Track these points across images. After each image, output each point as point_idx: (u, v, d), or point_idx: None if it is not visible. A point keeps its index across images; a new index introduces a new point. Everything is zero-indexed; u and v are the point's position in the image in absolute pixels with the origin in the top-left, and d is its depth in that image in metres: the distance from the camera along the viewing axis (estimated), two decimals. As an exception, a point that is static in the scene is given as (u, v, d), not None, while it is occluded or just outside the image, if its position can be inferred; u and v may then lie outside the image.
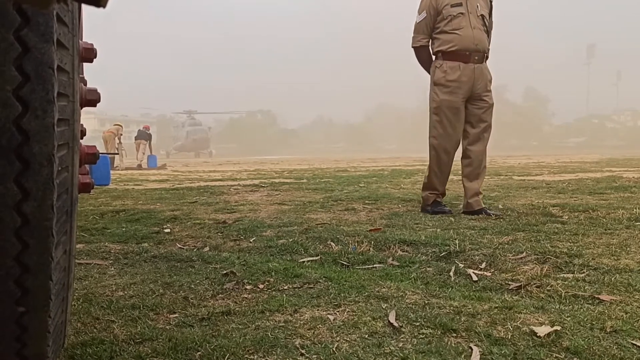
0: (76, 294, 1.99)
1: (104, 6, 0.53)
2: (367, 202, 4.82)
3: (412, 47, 4.21)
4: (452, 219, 3.68)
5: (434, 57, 4.16)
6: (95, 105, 1.28)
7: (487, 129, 4.11)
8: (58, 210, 0.91)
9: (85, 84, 1.37)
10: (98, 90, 1.29)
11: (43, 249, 0.89)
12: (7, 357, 1.00)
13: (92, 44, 1.27)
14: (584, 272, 2.23)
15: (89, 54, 1.24)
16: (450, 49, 3.97)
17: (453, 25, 3.95)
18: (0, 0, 0.80)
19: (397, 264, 2.49)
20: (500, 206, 4.33)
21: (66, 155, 0.96)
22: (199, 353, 1.44)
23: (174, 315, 1.78)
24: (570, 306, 1.82)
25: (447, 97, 4.00)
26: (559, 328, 1.57)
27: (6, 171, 0.83)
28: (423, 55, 4.21)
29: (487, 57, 4.10)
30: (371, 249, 2.79)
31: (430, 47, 4.18)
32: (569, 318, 1.67)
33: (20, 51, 0.82)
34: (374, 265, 2.47)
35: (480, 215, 3.81)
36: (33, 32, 0.83)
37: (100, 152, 1.37)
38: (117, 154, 16.77)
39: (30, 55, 0.82)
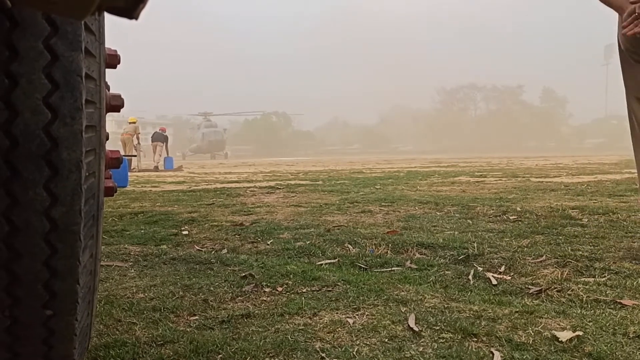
0: (98, 296, 2.02)
1: (137, 18, 0.54)
2: (383, 204, 4.81)
3: None
4: (470, 222, 3.66)
5: None
6: (119, 111, 1.30)
7: None
8: (85, 215, 0.92)
9: (109, 90, 1.39)
10: (122, 96, 1.30)
11: (71, 253, 0.91)
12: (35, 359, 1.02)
13: (115, 50, 1.29)
14: (605, 276, 2.20)
15: (113, 60, 1.26)
16: None
17: None
18: (30, 9, 0.81)
19: (416, 267, 2.48)
20: (518, 209, 4.29)
21: (93, 161, 0.98)
22: (220, 356, 1.45)
23: (194, 318, 1.79)
24: (592, 311, 1.80)
25: None
26: (581, 333, 1.55)
27: (36, 177, 0.85)
28: None
29: None
30: (389, 251, 2.78)
31: None
32: (591, 323, 1.66)
33: (49, 59, 0.83)
34: (392, 268, 2.47)
35: None
36: (62, 40, 0.84)
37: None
38: (135, 156, 16.90)
39: (59, 64, 0.84)
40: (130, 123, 17.96)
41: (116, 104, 1.27)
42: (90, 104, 0.92)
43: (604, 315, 1.75)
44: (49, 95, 0.83)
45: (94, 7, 0.52)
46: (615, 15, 2.41)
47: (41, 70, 0.83)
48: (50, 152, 0.84)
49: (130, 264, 2.63)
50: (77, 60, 0.85)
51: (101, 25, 1.02)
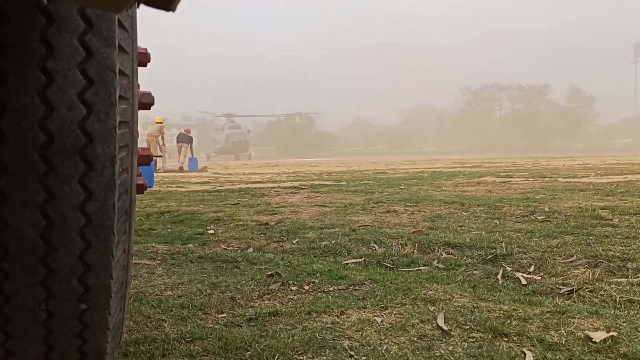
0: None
1: (174, 10, 0.54)
2: (408, 204, 4.78)
3: None
4: (497, 222, 3.61)
5: None
6: (149, 109, 1.31)
7: None
8: (119, 210, 0.93)
9: (139, 88, 1.40)
10: (152, 94, 1.32)
11: (105, 247, 0.92)
12: (69, 353, 1.03)
13: (145, 49, 1.30)
14: (638, 277, 2.15)
15: (144, 58, 1.27)
16: None
17: None
18: (66, 5, 0.82)
19: (443, 266, 2.46)
20: (546, 209, 4.22)
21: (126, 156, 0.99)
22: (249, 353, 1.46)
23: (222, 315, 1.80)
24: (626, 311, 1.76)
25: None
26: (615, 334, 1.52)
27: (71, 172, 0.86)
28: None
29: None
30: (415, 251, 2.76)
31: None
32: (625, 324, 1.62)
33: (84, 55, 0.84)
34: (419, 268, 2.45)
35: None
36: (96, 36, 0.85)
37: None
38: (160, 156, 17.06)
39: (94, 60, 0.85)
40: (157, 123, 17.98)
41: (147, 102, 1.28)
42: (123, 100, 0.93)
43: (638, 315, 1.71)
44: (84, 91, 0.84)
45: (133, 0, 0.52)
46: None
47: (76, 67, 0.84)
48: (85, 147, 0.85)
49: (158, 262, 2.66)
50: (111, 57, 0.86)
51: (134, 22, 1.03)
